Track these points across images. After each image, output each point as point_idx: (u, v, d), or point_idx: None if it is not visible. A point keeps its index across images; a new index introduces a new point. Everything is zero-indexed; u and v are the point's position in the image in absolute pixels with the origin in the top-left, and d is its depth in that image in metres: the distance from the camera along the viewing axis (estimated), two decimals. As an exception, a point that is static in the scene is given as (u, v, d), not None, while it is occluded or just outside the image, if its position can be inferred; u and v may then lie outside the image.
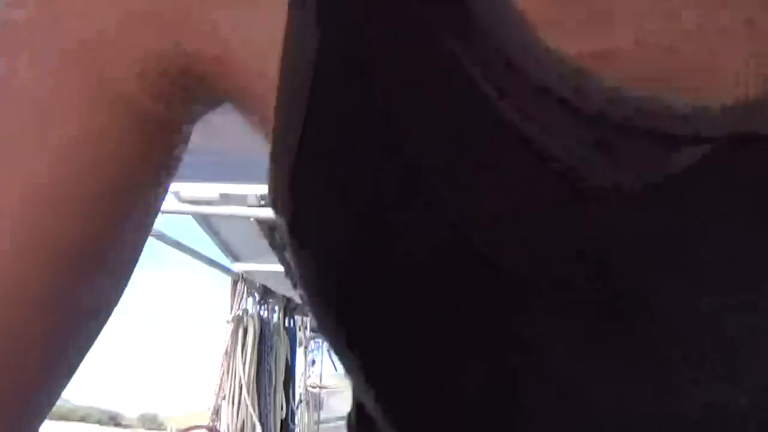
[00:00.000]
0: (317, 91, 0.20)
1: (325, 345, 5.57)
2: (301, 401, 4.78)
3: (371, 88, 0.19)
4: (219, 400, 3.61)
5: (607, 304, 0.17)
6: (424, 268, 0.18)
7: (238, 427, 3.46)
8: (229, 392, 3.50)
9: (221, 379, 3.58)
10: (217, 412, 3.63)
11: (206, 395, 3.74)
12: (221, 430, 3.51)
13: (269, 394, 3.72)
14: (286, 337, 4.10)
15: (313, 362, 5.56)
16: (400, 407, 0.20)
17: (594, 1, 0.18)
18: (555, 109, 0.17)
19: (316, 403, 4.95)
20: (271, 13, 0.21)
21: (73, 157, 0.22)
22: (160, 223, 3.12)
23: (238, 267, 3.81)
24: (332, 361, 5.96)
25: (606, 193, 0.17)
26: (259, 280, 3.83)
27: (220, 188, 2.78)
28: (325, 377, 5.19)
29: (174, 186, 2.77)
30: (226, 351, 3.56)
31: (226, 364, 3.56)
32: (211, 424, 3.62)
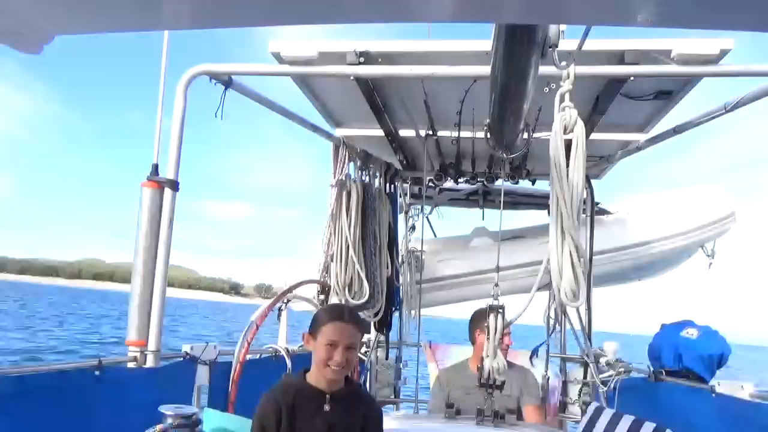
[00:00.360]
0: None
1: (425, 211, 5.67)
2: (403, 262, 5.00)
3: None
4: (328, 258, 3.83)
5: None
6: None
7: (347, 282, 3.68)
8: (337, 251, 3.69)
9: (329, 239, 3.77)
10: (326, 269, 3.87)
11: (314, 265, 3.96)
12: (331, 285, 3.74)
13: (374, 254, 3.88)
14: (388, 202, 4.18)
15: (413, 228, 5.72)
16: None
17: None
18: None
19: (417, 264, 5.15)
20: None
21: None
22: (268, 90, 3.16)
23: (340, 132, 3.86)
24: (431, 228, 6.11)
25: None
26: (359, 146, 3.87)
27: (318, 46, 2.73)
28: (424, 243, 5.33)
29: (273, 46, 2.76)
30: (332, 213, 3.71)
31: (332, 225, 3.73)
32: (322, 279, 3.88)
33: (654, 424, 2.11)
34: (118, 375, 2.43)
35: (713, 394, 3.07)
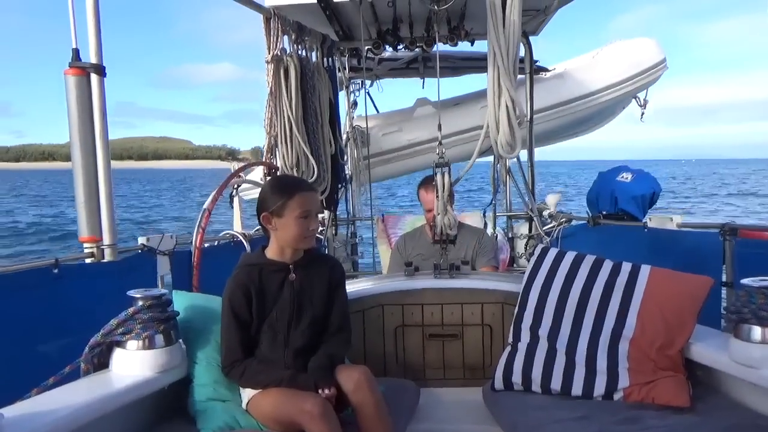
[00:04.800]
0: None
1: (366, 86, 5.56)
2: (348, 139, 4.98)
3: None
4: (271, 139, 3.76)
5: None
6: None
7: (294, 162, 3.65)
8: (281, 130, 3.61)
9: (270, 119, 3.68)
10: (271, 150, 3.81)
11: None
12: (279, 166, 3.72)
13: (317, 132, 3.83)
14: (327, 77, 4.05)
15: (355, 104, 5.63)
16: None
17: None
18: None
19: (363, 140, 5.14)
20: None
21: None
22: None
23: (269, 2, 3.62)
24: (373, 103, 6.03)
25: None
26: (292, 17, 3.66)
27: None
28: (368, 119, 5.27)
29: None
30: (271, 91, 3.58)
31: (272, 104, 3.62)
32: (267, 160, 3.83)
33: (594, 256, 2.31)
34: (77, 270, 2.42)
35: (645, 229, 3.36)
